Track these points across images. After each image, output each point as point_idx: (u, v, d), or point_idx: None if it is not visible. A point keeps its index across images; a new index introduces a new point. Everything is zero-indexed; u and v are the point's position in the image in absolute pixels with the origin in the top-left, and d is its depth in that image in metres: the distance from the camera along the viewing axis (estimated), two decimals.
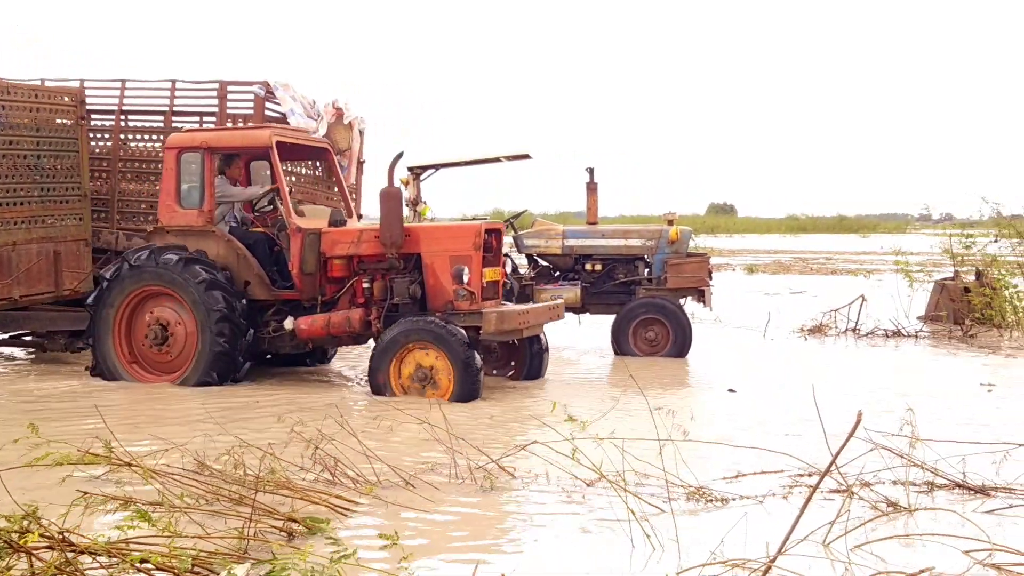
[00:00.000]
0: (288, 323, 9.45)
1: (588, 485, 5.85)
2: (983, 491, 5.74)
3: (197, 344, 9.26)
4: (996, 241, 14.70)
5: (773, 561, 4.21)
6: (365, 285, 9.35)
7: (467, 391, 8.63)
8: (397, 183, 9.30)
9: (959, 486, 5.81)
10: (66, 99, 11.04)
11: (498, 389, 9.68)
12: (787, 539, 4.22)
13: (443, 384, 8.70)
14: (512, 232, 12.97)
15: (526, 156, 12.99)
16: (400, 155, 9.37)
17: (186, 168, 9.82)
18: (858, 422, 4.24)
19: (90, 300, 9.69)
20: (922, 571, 3.96)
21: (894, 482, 5.85)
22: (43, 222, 10.74)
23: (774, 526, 4.96)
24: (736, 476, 6.13)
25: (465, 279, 8.96)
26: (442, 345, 8.65)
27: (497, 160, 12.92)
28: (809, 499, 4.44)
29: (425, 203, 12.74)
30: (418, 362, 8.78)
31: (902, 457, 5.93)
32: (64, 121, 10.97)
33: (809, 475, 6.03)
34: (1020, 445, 6.11)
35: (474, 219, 12.76)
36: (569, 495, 5.78)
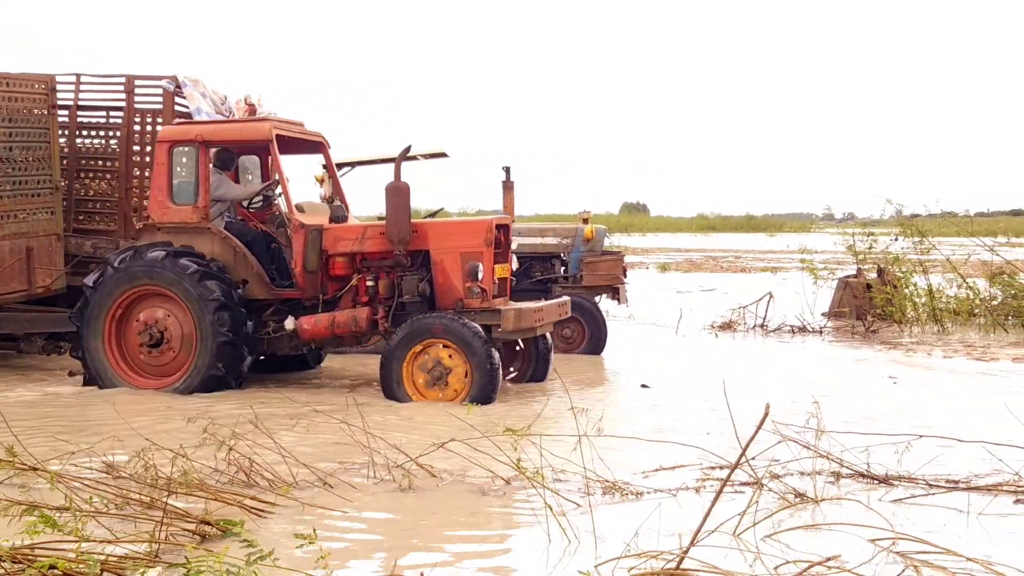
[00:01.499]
0: (289, 323, 9.07)
1: (507, 483, 5.88)
2: (887, 480, 5.93)
3: (197, 341, 8.85)
4: (897, 240, 15.16)
5: (686, 552, 4.28)
6: (369, 283, 9.01)
7: (485, 390, 8.37)
8: (403, 178, 8.86)
9: (864, 476, 6.00)
10: (37, 87, 10.52)
11: None
12: (699, 531, 4.30)
13: (458, 383, 8.47)
14: None
15: (442, 154, 12.97)
16: (408, 149, 9.04)
17: (177, 162, 9.36)
18: (765, 415, 4.35)
19: (74, 311, 9.21)
20: (828, 559, 4.07)
21: (802, 473, 6.01)
22: (15, 217, 10.23)
23: (687, 519, 5.06)
24: (654, 471, 6.22)
25: (480, 276, 8.70)
26: (459, 342, 8.40)
27: (414, 158, 12.85)
28: (720, 492, 4.54)
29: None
30: (433, 360, 8.51)
31: (809, 449, 6.10)
32: (35, 111, 10.46)
33: (721, 468, 6.15)
34: (921, 436, 6.31)
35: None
36: (487, 492, 5.80)
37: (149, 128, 10.88)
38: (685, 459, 6.38)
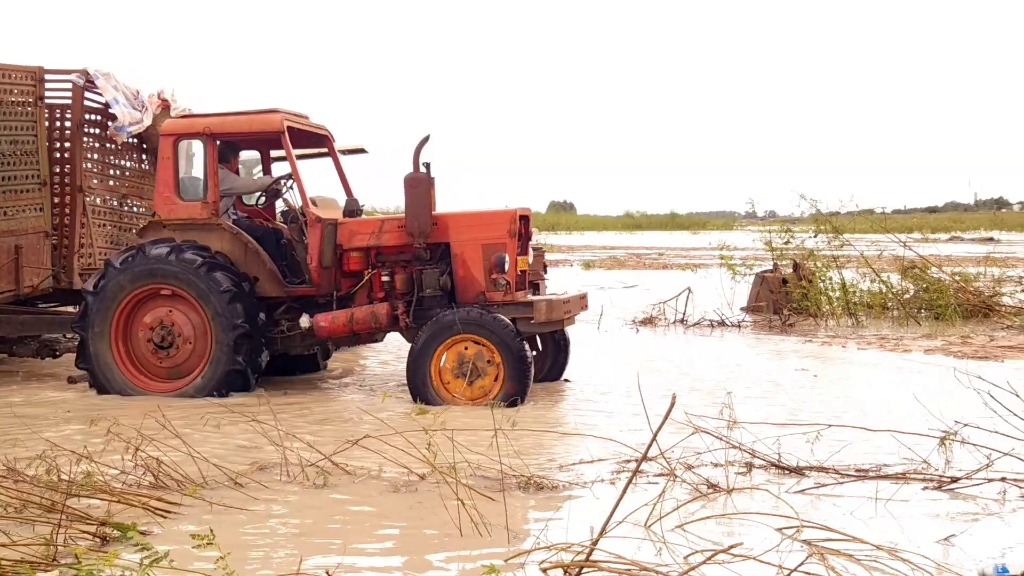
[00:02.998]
0: (304, 321, 8.71)
1: (421, 478, 5.84)
2: (797, 470, 6.02)
3: (211, 337, 8.51)
4: (816, 236, 15.43)
5: (595, 544, 4.29)
6: (384, 278, 8.73)
7: (518, 385, 8.09)
8: (423, 168, 8.55)
9: (775, 466, 6.09)
10: (24, 78, 10.05)
11: (328, 386, 9.57)
12: (607, 522, 4.32)
13: (490, 379, 8.17)
14: None
15: (361, 150, 12.85)
16: (426, 138, 8.62)
17: (182, 157, 9.05)
18: (671, 406, 4.37)
19: (77, 317, 8.82)
20: (730, 547, 4.11)
21: (715, 464, 6.08)
22: (4, 214, 9.77)
23: (602, 511, 5.06)
24: (572, 464, 6.22)
25: (506, 267, 8.41)
26: (491, 336, 8.10)
27: (360, 151, 12.72)
28: (628, 484, 4.56)
29: None
30: (461, 356, 8.19)
31: (722, 440, 6.16)
32: (22, 102, 9.98)
33: (636, 460, 6.18)
34: (830, 426, 6.42)
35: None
36: (401, 488, 5.75)
37: (59, 124, 10.57)
38: (602, 452, 6.40)
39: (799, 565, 4.04)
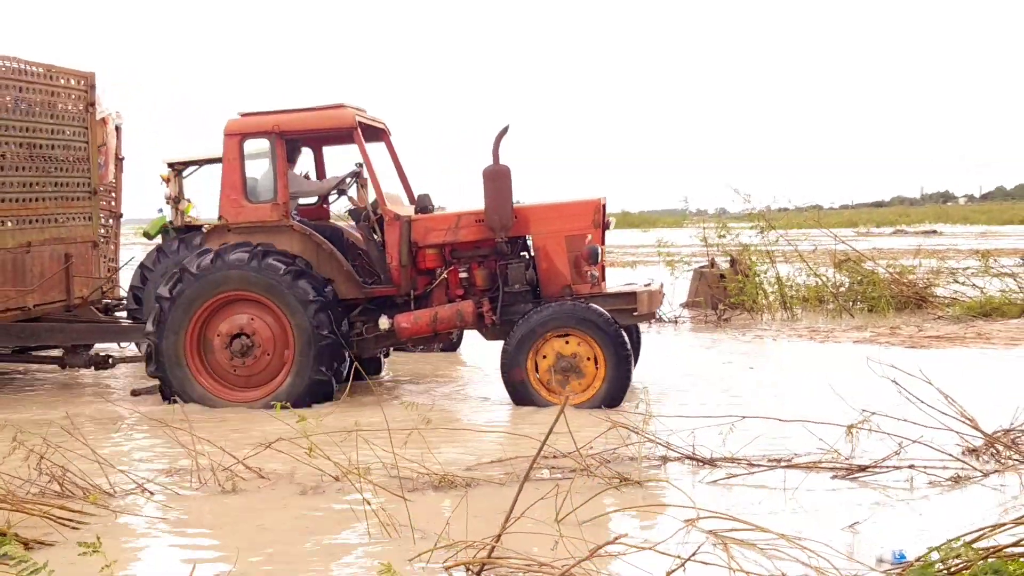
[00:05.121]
0: (384, 322, 8.36)
1: (336, 480, 5.79)
2: (711, 462, 6.05)
3: (294, 346, 8.16)
4: (763, 233, 15.48)
5: (497, 539, 4.27)
6: (462, 275, 8.42)
7: (619, 381, 7.80)
8: (502, 161, 8.19)
9: (689, 458, 6.12)
10: (76, 83, 9.77)
11: None
12: (508, 518, 4.30)
13: (589, 375, 7.89)
14: None
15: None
16: (506, 129, 8.23)
17: (249, 157, 8.73)
18: (565, 403, 4.37)
19: (149, 326, 8.39)
20: (616, 538, 4.11)
21: (631, 458, 6.09)
22: (55, 220, 9.48)
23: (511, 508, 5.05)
24: (490, 462, 6.21)
25: (599, 259, 8.15)
26: (590, 331, 7.81)
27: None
28: (524, 478, 4.54)
29: (188, 200, 12.25)
30: (559, 352, 7.90)
31: (637, 433, 6.18)
32: (74, 107, 9.76)
33: (555, 456, 6.17)
34: (744, 417, 6.46)
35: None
36: (314, 491, 5.70)
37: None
38: (518, 450, 6.38)
39: (693, 554, 4.04)
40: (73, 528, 5.00)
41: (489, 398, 8.73)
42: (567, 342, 7.91)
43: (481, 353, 10.84)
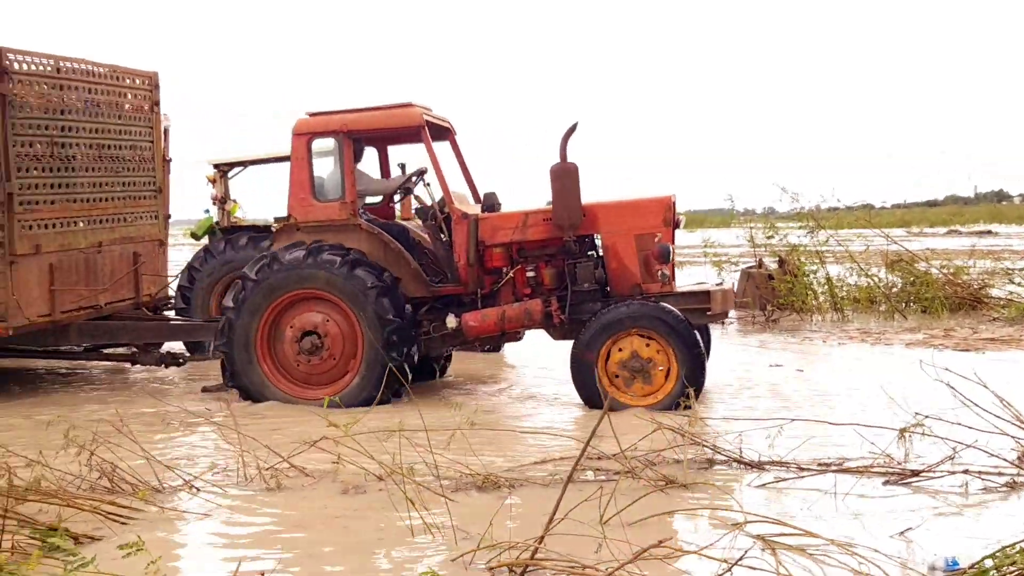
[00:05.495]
0: (451, 321, 8.35)
1: (379, 479, 5.79)
2: (758, 465, 5.96)
3: (361, 337, 8.15)
4: (812, 233, 15.27)
5: (540, 541, 4.25)
6: (529, 273, 8.40)
7: (692, 382, 7.54)
8: (570, 158, 8.12)
9: (736, 461, 6.03)
10: (142, 83, 9.88)
11: None
12: (551, 520, 4.27)
13: (658, 378, 7.76)
14: None
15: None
16: (574, 127, 8.13)
17: (317, 156, 8.72)
18: (608, 400, 4.32)
19: (229, 302, 8.49)
20: (661, 541, 4.06)
21: (676, 461, 6.01)
22: (124, 220, 9.64)
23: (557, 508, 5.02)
24: (534, 463, 6.18)
25: (670, 257, 8.07)
26: (664, 331, 7.69)
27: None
28: (569, 479, 4.49)
29: (234, 201, 12.38)
30: (632, 352, 7.78)
31: (684, 436, 6.11)
32: (141, 107, 9.88)
33: (599, 458, 6.12)
34: (793, 420, 6.36)
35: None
36: (354, 490, 5.70)
37: None
38: (561, 451, 6.35)
39: (740, 558, 3.98)
40: (122, 523, 5.05)
41: (534, 397, 8.70)
42: (647, 344, 7.79)
43: (524, 356, 10.84)
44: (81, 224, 9.06)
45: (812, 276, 14.56)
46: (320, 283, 8.21)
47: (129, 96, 9.77)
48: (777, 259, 15.00)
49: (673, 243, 8.40)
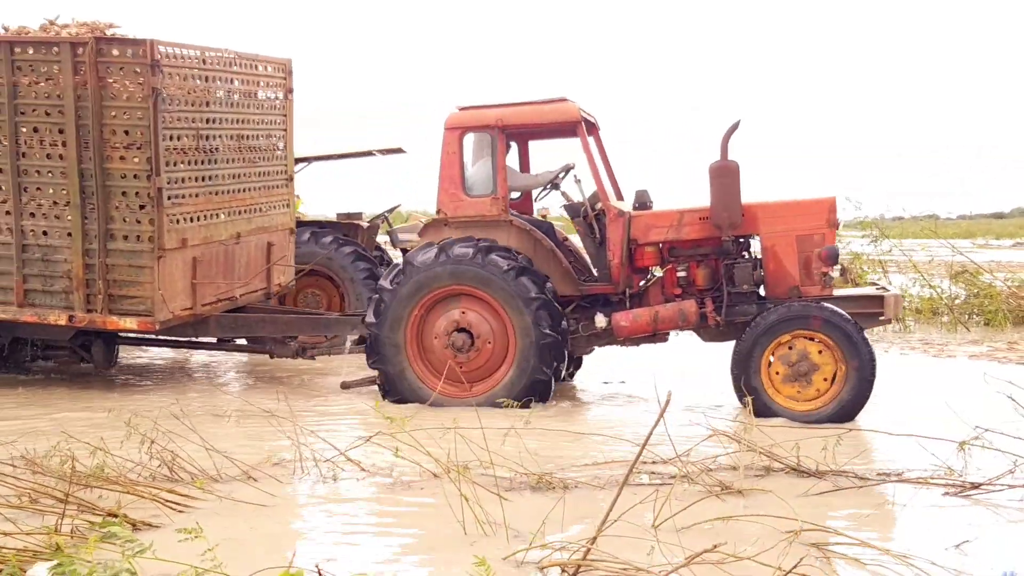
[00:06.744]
0: (600, 320, 8.21)
1: (434, 476, 5.83)
2: (816, 474, 5.89)
3: (514, 343, 8.05)
4: (876, 242, 15.07)
5: (592, 542, 4.25)
6: (680, 273, 8.31)
7: (859, 388, 7.45)
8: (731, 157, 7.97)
9: (793, 469, 5.97)
10: (277, 70, 9.79)
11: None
12: (604, 521, 4.27)
13: (822, 383, 7.58)
14: (387, 227, 12.92)
15: (399, 150, 12.95)
16: (736, 124, 7.95)
17: (469, 150, 8.65)
18: (666, 404, 4.31)
19: (371, 316, 8.31)
20: (715, 546, 4.03)
21: (733, 467, 5.98)
22: (260, 210, 9.59)
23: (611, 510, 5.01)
24: (587, 464, 6.17)
25: (838, 259, 7.92)
26: (833, 335, 7.50)
27: (370, 154, 12.83)
28: (624, 481, 4.49)
29: (298, 197, 12.54)
30: (799, 354, 7.62)
31: (740, 442, 6.07)
32: (276, 96, 9.82)
33: (654, 462, 6.11)
34: (851, 430, 6.31)
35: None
36: (410, 486, 5.75)
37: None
38: (616, 454, 6.34)
39: (795, 566, 3.94)
40: (180, 511, 5.15)
41: (587, 401, 8.70)
42: (808, 345, 7.62)
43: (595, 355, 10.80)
44: (222, 216, 9.02)
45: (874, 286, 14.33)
46: (478, 282, 8.07)
47: (265, 85, 9.67)
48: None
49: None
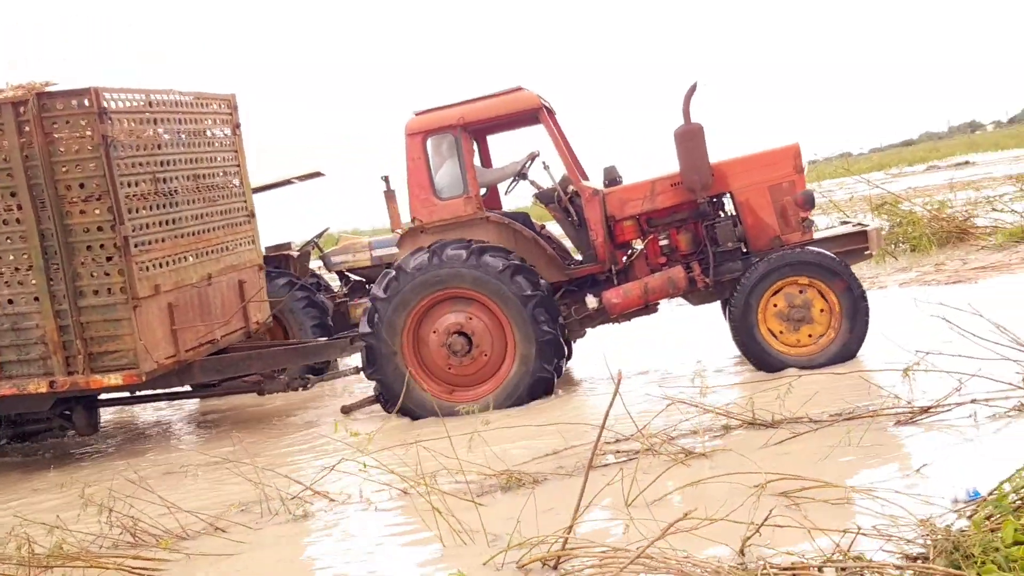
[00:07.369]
0: (591, 301, 8.19)
1: (404, 493, 5.81)
2: (772, 424, 6.00)
3: (513, 343, 7.97)
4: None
5: (569, 530, 4.27)
6: (663, 242, 8.27)
7: (856, 328, 7.52)
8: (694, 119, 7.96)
9: (750, 424, 6.07)
10: (221, 107, 9.62)
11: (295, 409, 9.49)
12: (577, 508, 4.30)
13: (822, 324, 7.64)
14: (318, 252, 12.81)
15: (318, 174, 12.83)
16: (695, 87, 7.95)
17: (434, 154, 8.47)
18: (619, 382, 4.35)
19: (365, 327, 8.15)
20: (686, 514, 4.07)
21: (693, 432, 6.05)
22: (227, 249, 9.45)
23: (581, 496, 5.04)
24: (553, 454, 6.20)
25: (814, 202, 7.97)
26: (825, 277, 7.58)
27: (289, 182, 12.70)
28: (589, 465, 4.53)
29: None
30: (790, 302, 7.68)
31: (696, 407, 6.15)
32: (225, 132, 9.65)
33: (617, 440, 6.15)
34: (800, 375, 6.43)
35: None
36: (380, 506, 5.73)
37: None
38: (583, 439, 6.36)
39: (766, 519, 4.01)
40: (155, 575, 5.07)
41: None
42: (800, 292, 7.70)
43: None
44: (190, 259, 8.87)
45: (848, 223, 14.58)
46: (474, 284, 7.98)
47: (212, 122, 9.53)
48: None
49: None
